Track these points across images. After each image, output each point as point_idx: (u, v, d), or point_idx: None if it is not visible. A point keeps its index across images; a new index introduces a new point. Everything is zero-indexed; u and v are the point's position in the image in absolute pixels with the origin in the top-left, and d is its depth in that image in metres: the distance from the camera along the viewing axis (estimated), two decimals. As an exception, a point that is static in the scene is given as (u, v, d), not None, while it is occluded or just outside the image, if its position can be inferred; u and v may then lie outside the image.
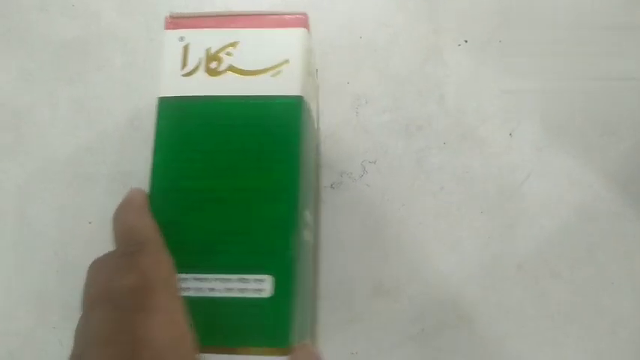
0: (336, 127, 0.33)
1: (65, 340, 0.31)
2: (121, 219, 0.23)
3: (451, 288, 0.31)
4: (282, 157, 0.23)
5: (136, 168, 0.32)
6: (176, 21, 0.25)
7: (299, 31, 0.25)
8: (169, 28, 0.25)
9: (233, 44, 0.25)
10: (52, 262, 0.32)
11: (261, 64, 0.24)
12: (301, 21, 0.25)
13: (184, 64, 0.24)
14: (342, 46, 0.34)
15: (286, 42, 0.25)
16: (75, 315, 0.30)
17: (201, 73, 0.24)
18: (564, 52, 0.34)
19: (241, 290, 0.22)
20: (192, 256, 0.22)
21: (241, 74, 0.24)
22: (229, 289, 0.22)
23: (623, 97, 0.34)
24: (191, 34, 0.25)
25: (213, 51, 0.24)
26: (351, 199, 0.32)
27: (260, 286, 0.22)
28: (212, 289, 0.22)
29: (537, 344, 0.31)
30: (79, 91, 0.34)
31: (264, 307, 0.22)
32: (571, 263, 0.32)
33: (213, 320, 0.22)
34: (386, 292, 0.31)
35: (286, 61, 0.24)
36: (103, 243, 0.31)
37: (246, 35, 0.25)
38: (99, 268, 0.22)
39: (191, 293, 0.22)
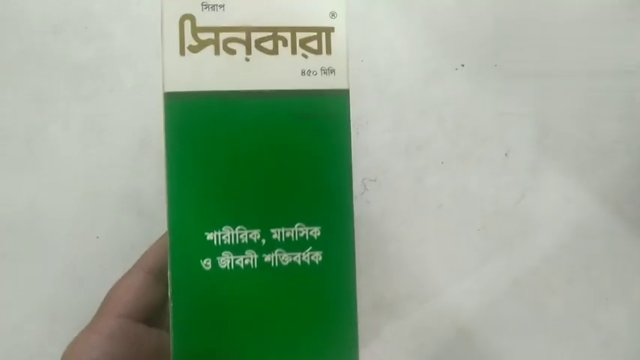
0: (338, 147, 0.34)
1: (73, 353, 0.31)
2: None
3: (450, 303, 0.32)
4: (331, 162, 0.20)
5: (146, 185, 0.33)
6: None
7: (339, 2, 0.20)
8: None
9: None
10: (61, 277, 0.33)
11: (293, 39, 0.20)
12: None
13: (190, 44, 0.19)
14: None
15: (322, 15, 0.20)
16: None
17: (212, 56, 0.19)
18: (558, 76, 0.35)
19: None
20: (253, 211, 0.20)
21: (268, 53, 0.20)
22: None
23: (616, 119, 0.35)
24: (196, 3, 0.20)
25: (229, 24, 0.20)
26: (352, 216, 0.33)
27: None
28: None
29: (534, 359, 0.31)
30: (91, 111, 0.35)
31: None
32: (566, 279, 0.32)
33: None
34: (386, 307, 0.32)
35: (326, 41, 0.20)
36: (111, 258, 0.32)
37: (270, 4, 0.20)
38: None
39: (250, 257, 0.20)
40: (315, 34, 0.20)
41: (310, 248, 0.20)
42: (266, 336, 0.20)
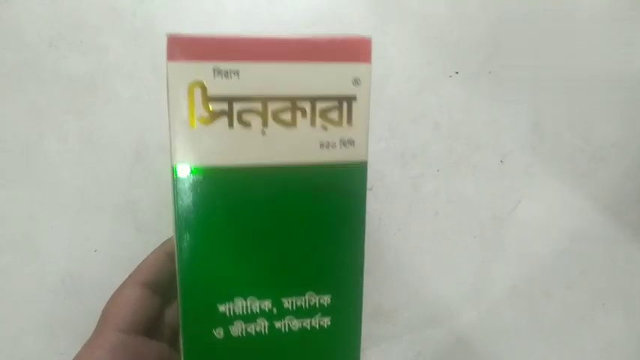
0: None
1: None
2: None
3: (447, 310, 0.32)
4: (345, 227, 0.20)
5: (142, 197, 0.33)
6: (184, 46, 0.17)
7: (364, 68, 0.18)
8: (176, 59, 0.17)
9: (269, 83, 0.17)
10: (59, 290, 0.33)
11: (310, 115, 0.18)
12: (365, 48, 0.18)
13: (201, 115, 0.17)
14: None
15: (344, 83, 0.18)
16: (83, 341, 0.31)
17: (226, 129, 0.18)
18: (552, 81, 0.36)
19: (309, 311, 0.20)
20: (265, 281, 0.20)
21: (285, 125, 0.18)
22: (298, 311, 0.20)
23: (611, 123, 0.35)
24: (207, 69, 0.17)
25: (244, 93, 0.17)
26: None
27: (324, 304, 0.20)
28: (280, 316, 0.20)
29: (532, 365, 0.32)
30: (87, 124, 0.35)
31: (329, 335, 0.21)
32: (563, 285, 0.33)
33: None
34: (384, 314, 0.32)
35: (347, 110, 0.18)
36: (109, 271, 0.32)
37: (289, 71, 0.18)
38: None
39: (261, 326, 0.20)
40: (337, 103, 0.18)
41: (320, 314, 0.21)
42: None
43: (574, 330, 0.32)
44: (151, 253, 0.25)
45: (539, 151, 0.35)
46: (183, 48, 0.17)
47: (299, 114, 0.18)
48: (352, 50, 0.18)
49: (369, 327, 0.32)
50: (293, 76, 0.17)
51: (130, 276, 0.25)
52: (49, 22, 0.37)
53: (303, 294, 0.20)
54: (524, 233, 0.33)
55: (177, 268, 0.19)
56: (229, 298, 0.19)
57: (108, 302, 0.24)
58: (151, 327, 0.24)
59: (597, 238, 0.33)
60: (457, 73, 0.36)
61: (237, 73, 0.17)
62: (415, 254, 0.33)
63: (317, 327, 0.21)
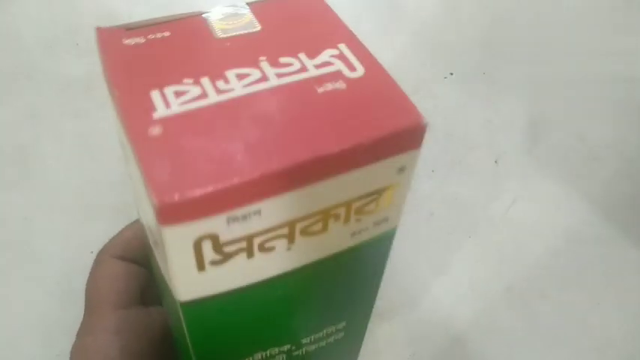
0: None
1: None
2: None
3: (443, 311, 0.32)
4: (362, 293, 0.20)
5: (138, 199, 0.34)
6: (182, 209, 0.12)
7: (412, 154, 0.15)
8: (172, 223, 0.13)
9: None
10: (55, 291, 0.33)
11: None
12: (419, 135, 0.15)
13: (212, 259, 0.14)
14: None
15: (388, 175, 0.15)
16: (78, 342, 0.31)
17: (245, 260, 0.15)
18: (547, 82, 0.36)
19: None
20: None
21: (315, 234, 0.15)
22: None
23: (606, 124, 0.35)
24: (219, 221, 0.13)
25: (267, 226, 0.14)
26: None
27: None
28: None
29: (528, 365, 0.32)
30: (84, 127, 0.35)
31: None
32: (559, 285, 0.33)
33: None
34: (378, 315, 0.32)
35: (386, 197, 0.16)
36: (105, 272, 0.32)
37: (324, 188, 0.14)
38: None
39: None
40: (376, 196, 0.16)
41: (334, 336, 0.21)
42: None
43: (569, 330, 0.32)
44: (125, 228, 0.24)
45: (533, 151, 0.35)
46: (181, 211, 0.12)
47: (332, 220, 0.15)
48: (403, 142, 0.15)
49: (364, 328, 0.32)
50: (328, 191, 0.14)
51: (104, 252, 0.23)
52: (45, 25, 0.37)
53: (321, 330, 0.20)
54: (519, 233, 0.33)
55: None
56: (249, 355, 0.19)
57: (91, 282, 0.23)
58: (144, 296, 0.23)
59: (592, 238, 0.33)
60: (452, 74, 0.36)
61: (258, 212, 0.13)
62: (410, 254, 0.33)
63: (332, 342, 0.21)
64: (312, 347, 0.20)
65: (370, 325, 0.32)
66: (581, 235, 0.33)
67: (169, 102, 0.14)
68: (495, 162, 0.34)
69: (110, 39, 0.16)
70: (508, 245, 0.33)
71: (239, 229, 0.14)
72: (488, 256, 0.33)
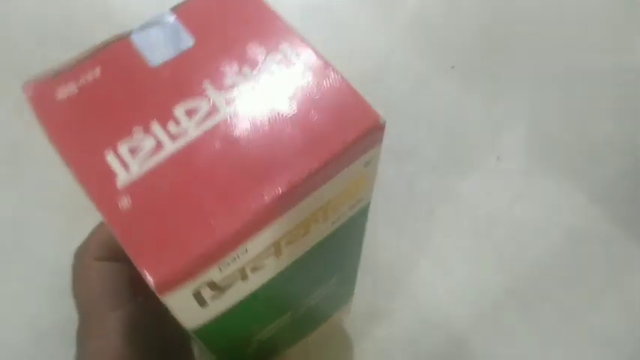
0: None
1: (61, 369, 0.31)
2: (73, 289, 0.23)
3: (443, 310, 0.32)
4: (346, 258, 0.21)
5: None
6: (176, 279, 0.13)
7: (375, 151, 0.16)
8: (167, 291, 0.13)
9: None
10: (46, 290, 0.32)
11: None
12: (378, 135, 0.15)
13: (211, 296, 0.15)
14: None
15: (356, 173, 0.16)
16: (71, 344, 0.31)
17: (240, 283, 0.15)
18: (548, 77, 0.35)
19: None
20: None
21: (299, 238, 0.16)
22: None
23: (608, 120, 0.35)
24: (212, 272, 0.14)
25: (256, 254, 0.15)
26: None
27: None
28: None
29: (529, 366, 0.31)
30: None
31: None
32: (560, 285, 0.32)
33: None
34: (378, 315, 0.32)
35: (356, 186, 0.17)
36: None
37: (303, 206, 0.15)
38: None
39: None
40: (348, 189, 0.16)
41: (328, 289, 0.22)
42: None
43: (570, 330, 0.31)
44: (96, 227, 0.24)
45: (535, 148, 0.34)
46: (176, 281, 0.13)
47: (312, 223, 0.16)
48: (367, 144, 0.15)
49: (364, 327, 0.31)
50: (305, 207, 0.15)
51: (84, 254, 0.23)
52: (38, 20, 0.37)
53: (316, 291, 0.21)
54: (520, 232, 0.33)
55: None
56: (256, 334, 0.20)
57: (80, 287, 0.22)
58: (136, 288, 0.22)
59: (594, 237, 0.33)
60: (453, 68, 0.35)
61: (245, 250, 0.14)
62: (410, 253, 0.32)
63: (327, 293, 0.23)
64: (311, 303, 0.22)
65: (370, 326, 0.31)
66: (583, 234, 0.33)
67: (127, 163, 0.14)
68: (497, 159, 0.34)
69: (42, 96, 0.16)
70: (509, 244, 0.33)
71: (231, 268, 0.14)
72: (489, 255, 0.32)
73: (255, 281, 0.16)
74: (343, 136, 0.14)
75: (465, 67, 0.36)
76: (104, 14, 0.36)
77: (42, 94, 0.16)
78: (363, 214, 0.19)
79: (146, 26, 0.16)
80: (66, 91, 0.15)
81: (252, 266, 0.15)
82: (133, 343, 0.21)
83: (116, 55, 0.16)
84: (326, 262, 0.19)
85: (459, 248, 0.33)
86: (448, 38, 0.36)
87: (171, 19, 0.16)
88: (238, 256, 0.14)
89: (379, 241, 0.33)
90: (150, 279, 0.12)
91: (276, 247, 0.15)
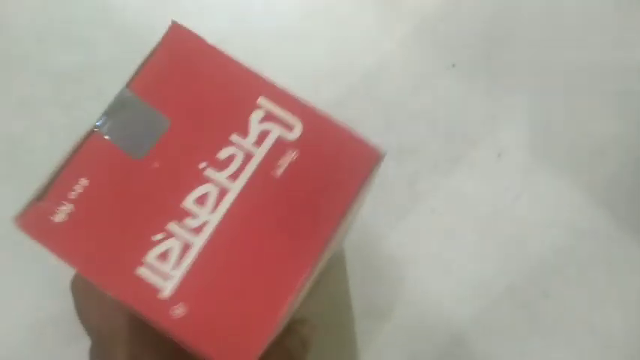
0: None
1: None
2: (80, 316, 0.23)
3: (444, 308, 0.31)
4: None
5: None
6: None
7: (375, 174, 0.16)
8: None
9: None
10: (46, 288, 0.32)
11: None
12: (380, 160, 0.16)
13: None
14: (333, 72, 0.35)
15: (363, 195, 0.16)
16: (70, 341, 0.30)
17: None
18: (550, 75, 0.35)
19: None
20: None
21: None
22: None
23: (610, 118, 0.34)
24: None
25: None
26: (343, 221, 0.33)
27: None
28: None
29: (530, 364, 0.31)
30: (75, 119, 0.34)
31: None
32: (561, 283, 0.32)
33: None
34: (379, 313, 0.31)
35: None
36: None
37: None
38: None
39: None
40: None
41: None
42: None
43: (571, 329, 0.31)
44: None
45: (537, 145, 0.34)
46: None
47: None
48: (372, 175, 0.16)
49: (363, 324, 0.31)
50: (332, 244, 0.15)
51: (85, 283, 0.23)
52: (37, 16, 0.36)
53: None
54: (521, 230, 0.33)
55: None
56: None
57: (89, 317, 0.22)
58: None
59: (596, 235, 0.33)
60: (454, 66, 0.35)
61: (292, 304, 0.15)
62: (411, 251, 0.32)
63: None
64: None
65: (370, 324, 0.31)
66: (585, 232, 0.33)
67: (164, 272, 0.13)
68: (498, 156, 0.34)
69: (39, 224, 0.15)
70: (510, 242, 0.32)
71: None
72: (490, 254, 0.32)
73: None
74: (355, 182, 0.15)
75: (466, 65, 0.35)
76: (104, 11, 0.36)
77: (38, 223, 0.15)
78: None
79: (112, 114, 0.15)
80: (61, 212, 0.15)
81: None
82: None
83: (95, 157, 0.15)
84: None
85: (460, 246, 0.32)
86: (449, 36, 0.36)
87: (134, 99, 0.15)
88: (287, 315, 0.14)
89: (379, 239, 0.32)
90: None
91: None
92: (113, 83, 0.35)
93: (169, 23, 0.16)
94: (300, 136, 0.15)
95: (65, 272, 0.32)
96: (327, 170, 0.15)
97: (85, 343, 0.24)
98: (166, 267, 0.14)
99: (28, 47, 0.36)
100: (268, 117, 0.15)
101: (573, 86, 0.35)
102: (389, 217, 0.33)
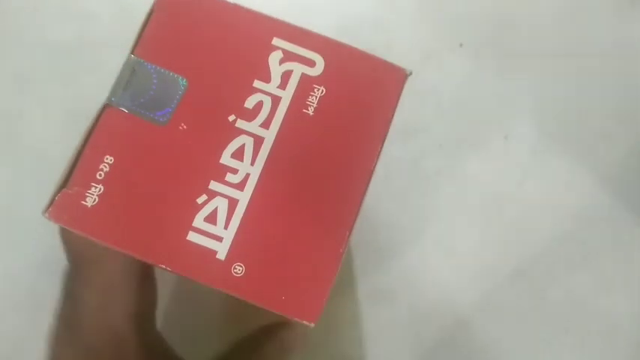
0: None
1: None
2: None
3: (448, 291, 0.31)
4: None
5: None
6: None
7: None
8: None
9: None
10: (42, 266, 0.32)
11: None
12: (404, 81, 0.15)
13: None
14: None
15: None
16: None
17: None
18: (559, 56, 0.34)
19: None
20: None
21: None
22: None
23: (619, 101, 0.34)
24: None
25: None
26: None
27: None
28: None
29: (534, 349, 0.31)
30: (72, 93, 0.34)
31: None
32: (568, 268, 0.32)
33: None
34: (382, 296, 0.31)
35: None
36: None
37: None
38: None
39: None
40: None
41: None
42: None
43: (577, 314, 0.31)
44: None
45: (544, 127, 0.33)
46: (320, 311, 0.14)
47: None
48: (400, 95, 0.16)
49: (366, 307, 0.31)
50: None
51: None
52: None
53: None
54: (527, 213, 0.32)
55: None
56: None
57: (69, 236, 0.22)
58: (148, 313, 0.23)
59: (603, 219, 0.32)
60: (461, 45, 0.34)
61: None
62: (415, 233, 0.32)
63: None
64: None
65: (373, 307, 0.31)
66: (592, 216, 0.32)
67: (215, 233, 0.13)
68: (505, 138, 0.33)
69: (72, 213, 0.14)
70: (516, 225, 0.32)
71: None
72: (496, 236, 0.32)
73: None
74: (389, 103, 0.15)
75: (474, 44, 0.35)
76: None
77: (70, 211, 0.14)
78: None
79: (123, 84, 0.14)
80: (92, 194, 0.14)
81: None
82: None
83: (115, 132, 0.14)
84: None
85: (465, 228, 0.32)
86: (457, 15, 0.35)
87: (143, 64, 0.14)
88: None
89: (383, 221, 0.32)
90: (307, 322, 0.13)
91: None
92: (111, 58, 0.34)
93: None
94: (324, 70, 0.15)
95: (61, 250, 0.32)
96: (358, 97, 0.14)
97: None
98: (217, 227, 0.13)
99: (23, 19, 0.35)
100: (287, 57, 0.14)
101: (582, 69, 0.34)
102: (392, 197, 0.32)
